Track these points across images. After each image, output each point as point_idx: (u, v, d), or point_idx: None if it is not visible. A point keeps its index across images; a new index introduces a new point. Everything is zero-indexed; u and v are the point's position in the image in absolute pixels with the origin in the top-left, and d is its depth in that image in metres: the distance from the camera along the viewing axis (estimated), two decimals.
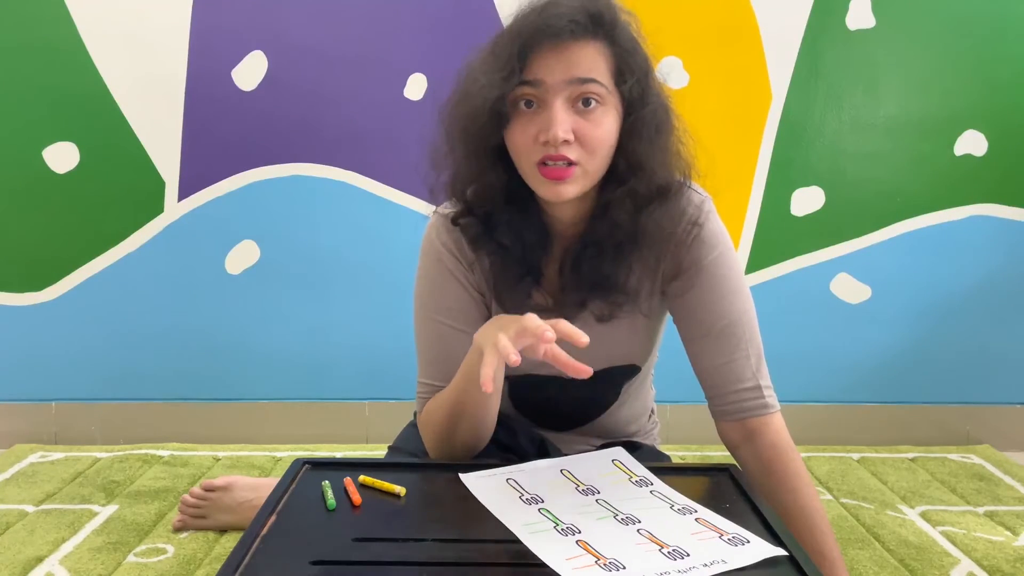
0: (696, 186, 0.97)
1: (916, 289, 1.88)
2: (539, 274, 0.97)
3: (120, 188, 1.80)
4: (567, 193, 0.87)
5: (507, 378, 1.06)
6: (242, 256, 1.84)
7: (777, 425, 0.95)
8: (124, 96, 1.76)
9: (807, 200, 1.84)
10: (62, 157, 1.78)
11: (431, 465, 0.95)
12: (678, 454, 1.77)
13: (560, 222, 0.96)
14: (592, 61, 0.85)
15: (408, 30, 1.76)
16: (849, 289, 1.88)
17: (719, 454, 1.72)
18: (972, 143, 1.82)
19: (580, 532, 0.70)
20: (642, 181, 0.90)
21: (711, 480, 0.86)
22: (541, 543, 0.68)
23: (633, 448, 1.04)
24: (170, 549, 1.35)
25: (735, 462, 0.95)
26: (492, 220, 0.95)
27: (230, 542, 1.36)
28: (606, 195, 0.92)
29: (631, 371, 1.04)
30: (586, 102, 0.85)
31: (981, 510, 1.54)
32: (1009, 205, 1.85)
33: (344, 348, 1.88)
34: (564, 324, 0.77)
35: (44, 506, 1.51)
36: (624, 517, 0.73)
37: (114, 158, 1.78)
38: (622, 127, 0.89)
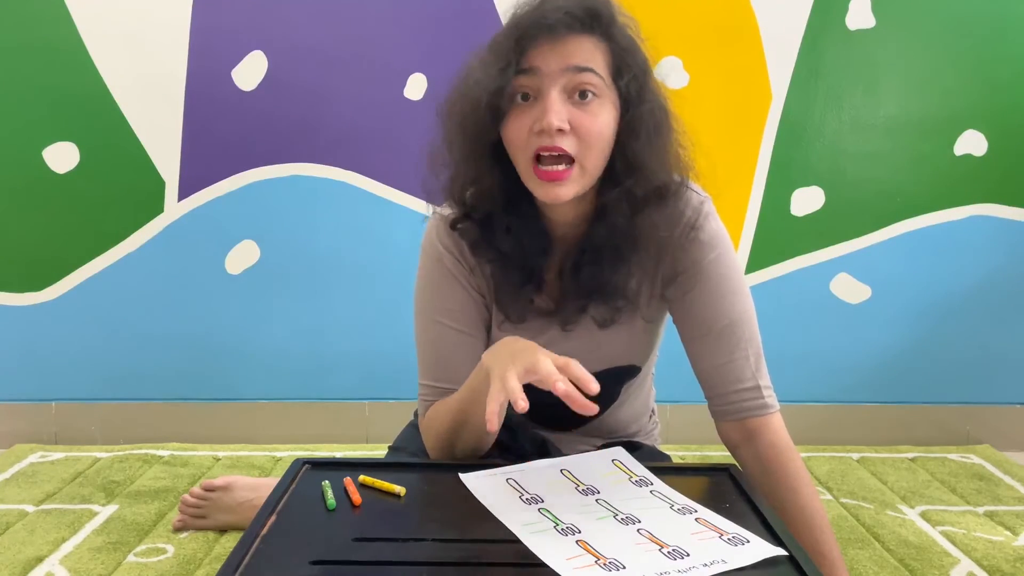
0: (696, 187, 0.97)
1: (916, 289, 1.88)
2: (540, 280, 0.97)
3: (120, 188, 1.80)
4: (564, 194, 0.87)
5: None
6: (242, 256, 1.84)
7: (777, 425, 0.95)
8: (124, 96, 1.76)
9: (807, 200, 1.84)
10: (62, 157, 1.78)
11: (431, 465, 0.95)
12: (678, 454, 1.77)
13: (559, 225, 0.96)
14: (589, 52, 0.86)
15: (408, 30, 1.76)
16: (849, 289, 1.88)
17: (719, 454, 1.72)
18: (972, 143, 1.82)
19: (580, 532, 0.70)
20: (639, 182, 0.89)
21: (711, 480, 0.86)
22: (541, 543, 0.68)
23: (633, 448, 1.03)
24: (170, 549, 1.35)
25: (735, 462, 0.95)
26: (491, 225, 0.94)
27: (230, 542, 1.36)
28: (603, 197, 0.91)
29: (631, 371, 1.04)
30: (583, 95, 0.85)
31: (981, 510, 1.54)
32: (1009, 205, 1.85)
33: (344, 348, 1.88)
34: (575, 368, 0.75)
35: (44, 506, 1.51)
36: (624, 517, 0.73)
37: (114, 158, 1.78)
38: (619, 126, 0.89)
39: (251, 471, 1.69)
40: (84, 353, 1.86)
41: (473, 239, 0.96)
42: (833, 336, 1.89)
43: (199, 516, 1.40)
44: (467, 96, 0.88)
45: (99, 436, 1.87)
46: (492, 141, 0.89)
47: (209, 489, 1.40)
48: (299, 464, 0.86)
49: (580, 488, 0.80)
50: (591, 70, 0.85)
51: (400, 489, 0.80)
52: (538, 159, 0.86)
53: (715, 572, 0.63)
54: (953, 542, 1.40)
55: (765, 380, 0.96)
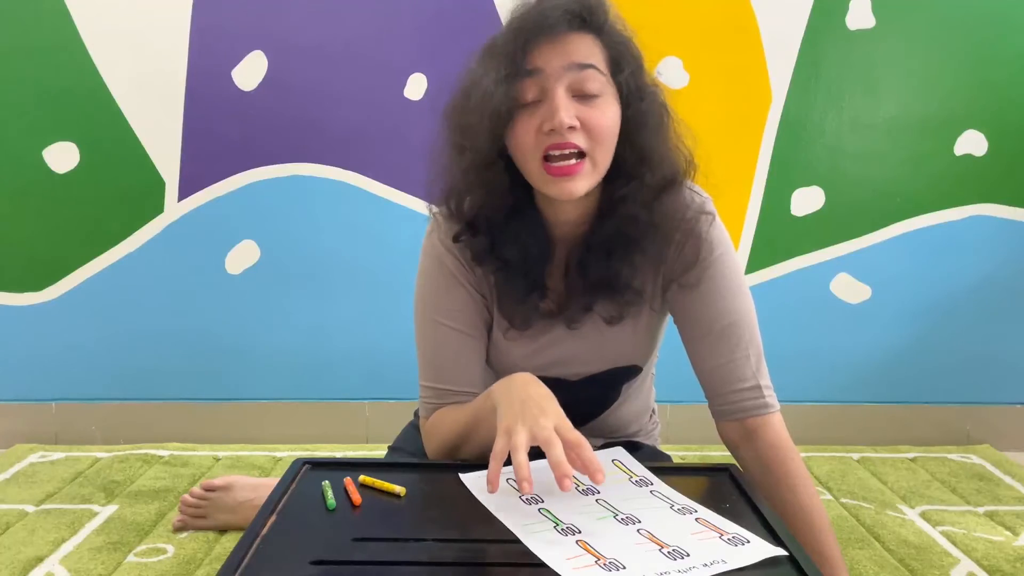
0: (696, 187, 0.97)
1: (916, 289, 1.88)
2: (544, 287, 0.97)
3: (120, 188, 1.80)
4: (578, 189, 0.87)
5: None
6: (242, 256, 1.84)
7: (777, 425, 0.95)
8: (124, 96, 1.76)
9: (807, 200, 1.84)
10: (62, 157, 1.78)
11: (431, 465, 0.95)
12: (678, 454, 1.77)
13: (561, 226, 0.96)
14: (589, 49, 0.86)
15: (408, 30, 1.76)
16: (849, 289, 1.88)
17: (719, 454, 1.72)
18: (972, 143, 1.82)
19: (580, 532, 0.70)
20: (653, 172, 0.90)
21: (711, 480, 0.86)
22: (541, 543, 0.68)
23: (633, 448, 1.04)
24: (170, 549, 1.35)
25: (735, 462, 0.95)
26: (493, 234, 0.94)
27: (230, 542, 1.36)
28: (615, 191, 0.91)
29: (632, 371, 1.04)
30: (588, 95, 0.86)
31: (981, 510, 1.54)
32: (1009, 205, 1.85)
33: (344, 348, 1.88)
34: (586, 452, 0.74)
35: (44, 506, 1.51)
36: (624, 517, 0.73)
37: (114, 158, 1.78)
38: (624, 120, 0.89)
39: (251, 471, 1.69)
40: (84, 353, 1.86)
41: (476, 251, 0.95)
42: (833, 336, 1.89)
43: (199, 516, 1.40)
44: (473, 107, 0.87)
45: (99, 436, 1.87)
46: (497, 148, 0.89)
47: (209, 489, 1.40)
48: (299, 464, 0.86)
49: (580, 488, 0.80)
50: (593, 67, 0.86)
51: (400, 489, 0.80)
52: (547, 158, 0.86)
53: (715, 572, 0.63)
54: (953, 542, 1.40)
55: (765, 380, 0.96)
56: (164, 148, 1.79)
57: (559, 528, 0.71)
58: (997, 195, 1.84)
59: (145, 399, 1.88)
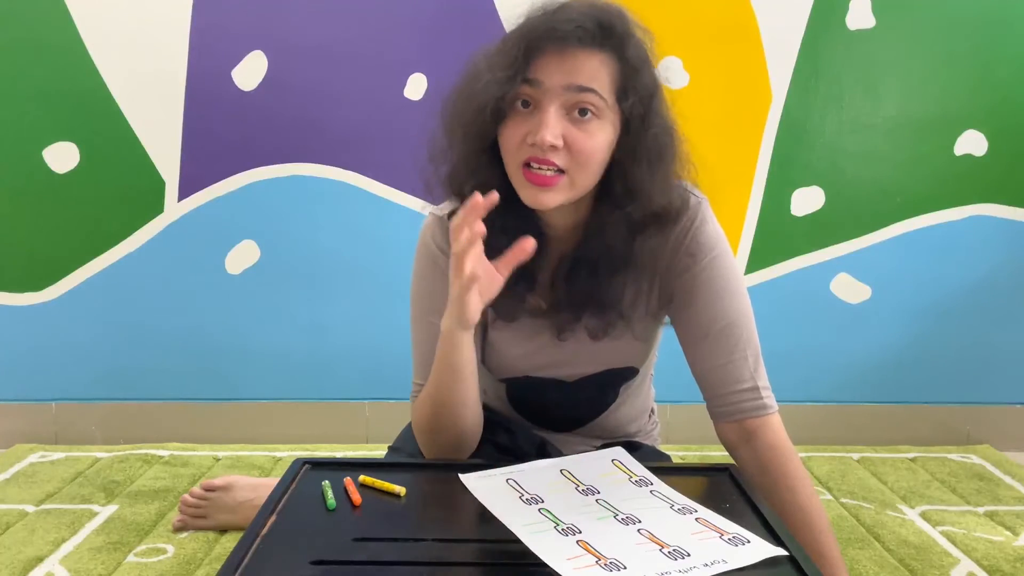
0: (693, 188, 0.97)
1: (916, 289, 1.88)
2: (532, 280, 0.97)
3: (120, 188, 1.80)
4: (549, 201, 0.87)
5: (505, 380, 1.06)
6: (242, 256, 1.84)
7: (775, 426, 0.95)
8: (124, 96, 1.76)
9: (807, 200, 1.84)
10: (62, 157, 1.78)
11: (431, 465, 0.95)
12: (678, 454, 1.77)
13: (555, 228, 0.96)
14: (594, 71, 0.85)
15: (408, 30, 1.76)
16: (849, 289, 1.88)
17: (719, 454, 1.71)
18: (972, 143, 1.82)
19: (580, 532, 0.70)
20: (638, 207, 0.89)
21: (711, 480, 0.86)
22: (541, 543, 0.68)
23: (633, 448, 1.03)
24: (170, 549, 1.35)
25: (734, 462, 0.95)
26: (486, 222, 0.94)
27: (230, 542, 1.36)
28: (601, 215, 0.91)
29: (629, 373, 1.04)
30: (582, 112, 0.85)
31: (981, 510, 1.54)
32: (1009, 205, 1.85)
33: (344, 348, 1.88)
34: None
35: (44, 506, 1.51)
36: (624, 517, 0.73)
37: (114, 158, 1.78)
38: (619, 146, 0.88)
39: (251, 471, 1.69)
40: (84, 353, 1.86)
41: None
42: (833, 336, 1.89)
43: (199, 516, 1.40)
44: (472, 98, 0.88)
45: (99, 436, 1.87)
46: (492, 141, 0.89)
47: (209, 489, 1.40)
48: (299, 464, 0.86)
49: (580, 488, 0.80)
50: (593, 91, 0.84)
51: (400, 489, 0.80)
52: (528, 164, 0.86)
53: (715, 572, 0.63)
54: (953, 542, 1.40)
55: (763, 381, 0.96)
56: (164, 148, 1.79)
57: (559, 528, 0.71)
58: (997, 195, 1.84)
59: (145, 399, 1.88)
